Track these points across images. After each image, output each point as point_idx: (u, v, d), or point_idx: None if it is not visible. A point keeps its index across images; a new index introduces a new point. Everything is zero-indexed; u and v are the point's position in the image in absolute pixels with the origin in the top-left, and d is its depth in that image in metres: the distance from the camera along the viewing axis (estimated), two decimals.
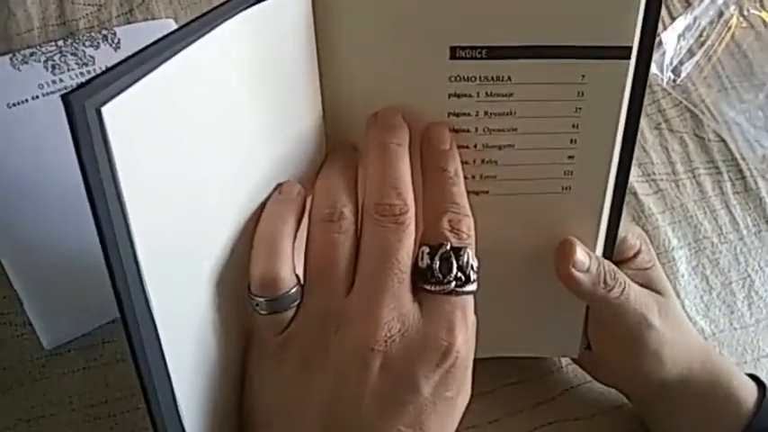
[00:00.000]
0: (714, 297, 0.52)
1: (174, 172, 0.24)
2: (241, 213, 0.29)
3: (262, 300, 0.29)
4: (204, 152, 0.26)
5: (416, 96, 0.32)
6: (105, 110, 0.20)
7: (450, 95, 0.33)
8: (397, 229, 0.29)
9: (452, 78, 0.32)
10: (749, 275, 0.53)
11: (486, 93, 0.33)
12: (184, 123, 0.25)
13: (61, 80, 0.44)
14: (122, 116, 0.21)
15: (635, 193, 0.53)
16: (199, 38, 0.24)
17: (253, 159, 0.29)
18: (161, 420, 0.25)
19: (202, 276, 0.28)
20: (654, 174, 0.55)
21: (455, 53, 0.32)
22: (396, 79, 0.32)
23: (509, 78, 0.32)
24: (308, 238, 0.30)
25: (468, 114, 0.33)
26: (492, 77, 0.32)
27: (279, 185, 0.31)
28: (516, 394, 0.45)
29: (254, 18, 0.27)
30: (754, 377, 0.43)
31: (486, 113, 0.33)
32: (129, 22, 0.49)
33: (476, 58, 0.32)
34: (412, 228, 0.30)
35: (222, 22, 0.25)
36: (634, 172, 0.53)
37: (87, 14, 0.49)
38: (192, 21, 0.24)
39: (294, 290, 0.29)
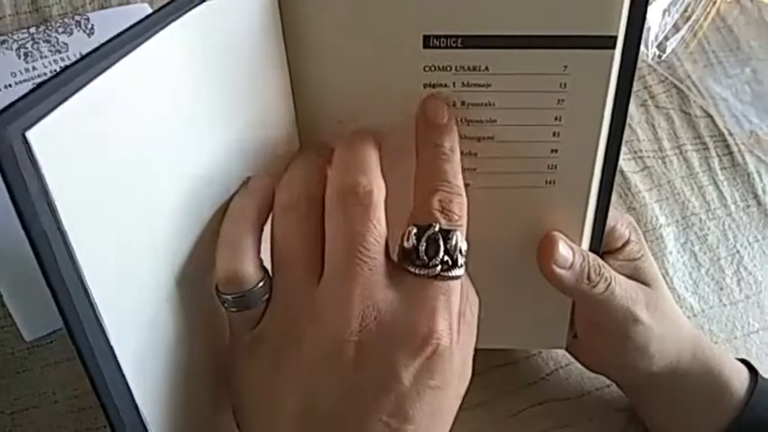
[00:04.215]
0: (703, 274, 0.52)
1: (116, 184, 0.23)
2: (206, 212, 0.29)
3: (229, 297, 0.28)
4: (151, 159, 0.25)
5: (390, 86, 0.31)
6: (31, 134, 0.19)
7: (425, 85, 0.31)
8: (362, 213, 0.28)
9: (427, 68, 0.31)
10: (738, 251, 0.53)
11: (463, 83, 0.32)
12: (125, 135, 0.23)
13: (34, 68, 0.43)
14: (52, 139, 0.20)
15: (621, 171, 0.53)
16: (136, 46, 0.23)
17: (213, 158, 0.28)
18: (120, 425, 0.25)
19: (161, 280, 0.27)
20: (640, 151, 0.55)
21: (428, 42, 0.30)
22: (368, 68, 0.31)
23: (486, 68, 0.31)
24: (271, 230, 0.29)
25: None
26: (468, 67, 0.31)
27: (246, 180, 0.30)
28: (505, 376, 0.45)
29: (207, 15, 0.26)
30: (745, 363, 0.42)
31: (463, 104, 0.32)
32: (103, 8, 0.48)
33: (451, 47, 0.30)
34: (380, 209, 0.28)
35: (164, 26, 0.24)
36: None
37: (60, 0, 0.48)
38: (131, 27, 0.23)
39: (261, 285, 0.28)
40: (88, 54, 0.21)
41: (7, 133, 0.19)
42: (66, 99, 0.20)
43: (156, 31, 0.24)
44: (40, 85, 0.20)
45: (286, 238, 0.29)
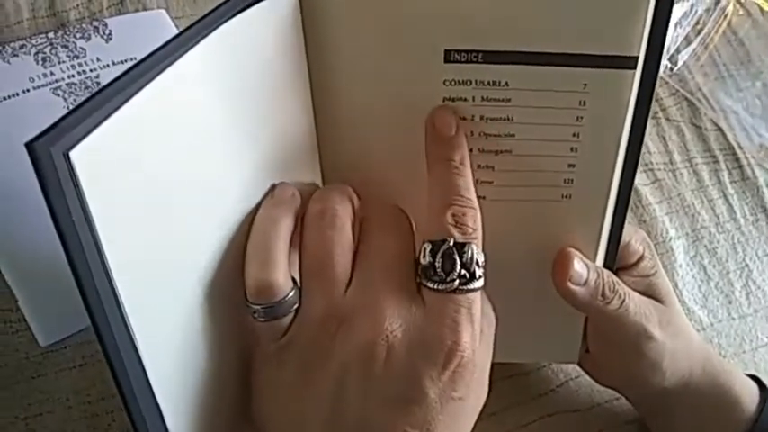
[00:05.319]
0: (712, 287, 0.52)
1: (150, 201, 0.24)
2: (231, 222, 0.29)
3: (259, 307, 0.28)
4: (183, 173, 0.25)
5: (410, 100, 0.32)
6: (74, 154, 0.20)
7: (444, 99, 0.32)
8: (397, 230, 0.29)
9: (447, 82, 0.31)
10: (747, 265, 0.53)
11: (483, 97, 0.32)
12: (159, 151, 0.24)
13: (52, 73, 0.43)
14: (92, 158, 0.20)
15: None
16: (168, 66, 0.23)
17: (239, 170, 0.29)
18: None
19: (189, 290, 0.27)
20: (651, 163, 0.55)
21: (449, 56, 0.31)
22: (389, 82, 0.31)
23: (506, 83, 0.31)
24: (301, 239, 0.29)
25: (464, 119, 0.32)
26: (488, 82, 0.31)
27: (271, 188, 0.30)
28: (515, 386, 0.45)
29: (233, 32, 0.26)
30: (755, 378, 0.42)
31: (481, 118, 0.32)
32: (120, 13, 0.48)
33: (471, 62, 0.31)
34: (412, 228, 0.30)
35: (192, 46, 0.24)
36: None
37: (78, 5, 0.48)
38: (162, 47, 0.23)
39: (291, 294, 0.28)
40: (125, 73, 0.22)
41: (51, 153, 0.19)
42: (106, 118, 0.21)
43: (187, 50, 0.24)
44: (81, 104, 0.20)
45: (317, 247, 0.29)
